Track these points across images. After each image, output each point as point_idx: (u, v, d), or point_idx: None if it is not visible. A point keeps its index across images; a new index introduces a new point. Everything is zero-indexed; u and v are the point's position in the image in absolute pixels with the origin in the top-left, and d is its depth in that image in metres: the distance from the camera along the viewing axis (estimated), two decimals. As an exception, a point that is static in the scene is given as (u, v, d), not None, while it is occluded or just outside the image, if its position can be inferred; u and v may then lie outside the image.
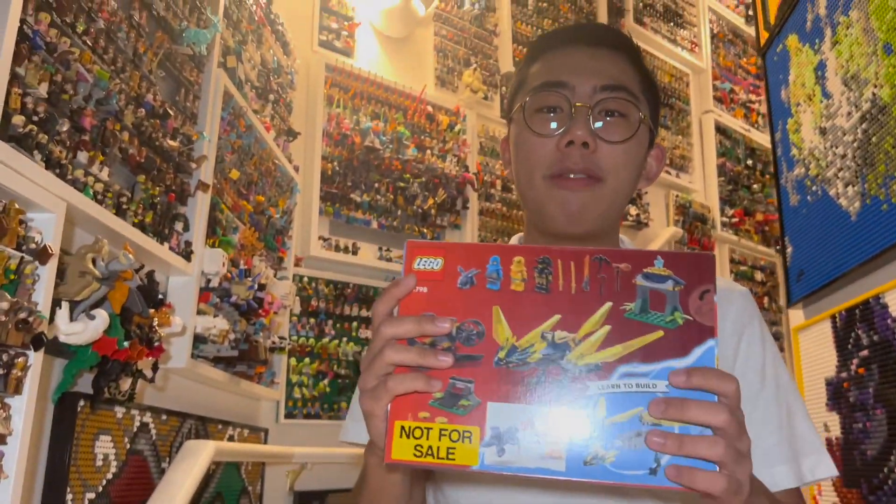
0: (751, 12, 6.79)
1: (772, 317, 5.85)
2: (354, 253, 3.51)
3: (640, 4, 5.47)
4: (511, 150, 1.00)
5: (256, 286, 2.56)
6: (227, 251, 2.42)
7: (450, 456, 0.60)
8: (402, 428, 0.61)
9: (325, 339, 3.30)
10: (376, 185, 3.63)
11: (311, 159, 3.44)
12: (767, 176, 6.11)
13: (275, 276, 3.04)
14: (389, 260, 3.62)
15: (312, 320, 3.29)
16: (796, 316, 2.57)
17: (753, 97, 6.29)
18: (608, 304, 0.62)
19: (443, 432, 0.60)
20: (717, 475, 0.58)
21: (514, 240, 1.09)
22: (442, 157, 3.93)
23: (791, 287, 2.54)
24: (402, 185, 3.72)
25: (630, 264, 0.63)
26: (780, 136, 2.64)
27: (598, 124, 0.92)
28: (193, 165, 2.23)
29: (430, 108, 3.94)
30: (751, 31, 6.47)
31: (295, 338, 3.21)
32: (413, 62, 4.05)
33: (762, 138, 6.20)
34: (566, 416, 0.60)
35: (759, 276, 5.88)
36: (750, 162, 6.03)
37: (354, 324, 3.41)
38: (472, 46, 4.29)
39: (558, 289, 0.63)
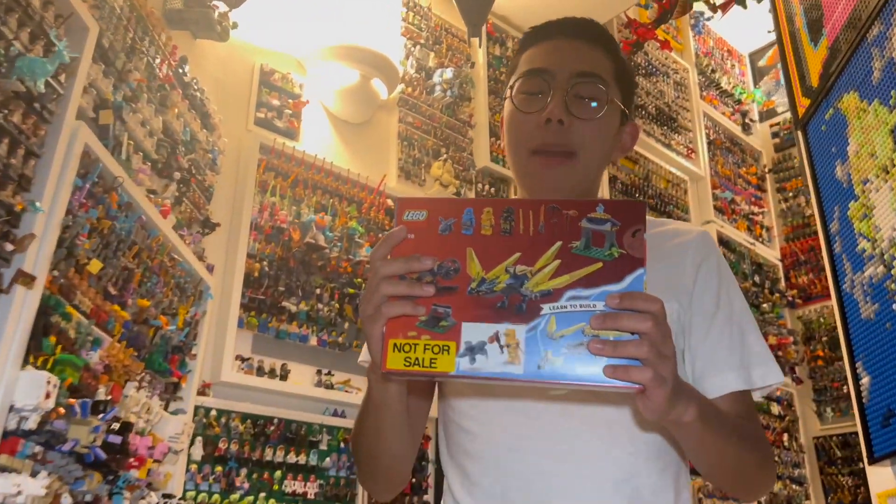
0: (748, 120, 6.44)
1: (794, 457, 5.02)
2: (284, 377, 2.74)
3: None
4: (503, 127, 1.14)
5: (111, 426, 1.79)
6: (65, 375, 1.67)
7: (432, 364, 0.73)
8: (395, 344, 0.74)
9: (236, 496, 2.46)
10: (318, 290, 2.92)
11: (232, 257, 2.74)
12: (777, 294, 5.47)
13: (165, 408, 2.26)
14: (330, 387, 2.85)
15: (219, 468, 2.47)
16: (883, 476, 1.81)
17: (756, 209, 5.76)
18: (558, 243, 0.75)
19: (426, 346, 0.74)
20: (644, 369, 0.71)
21: None
22: (403, 261, 3.24)
23: (872, 435, 1.79)
24: (351, 291, 3.01)
25: (577, 210, 0.75)
26: (838, 226, 1.97)
27: (573, 105, 1.05)
28: (10, 247, 1.52)
29: (390, 202, 3.30)
30: (750, 140, 6.04)
31: (192, 494, 2.38)
32: (372, 150, 3.46)
33: (768, 253, 5.61)
34: (523, 331, 0.73)
35: (775, 408, 5.10)
36: (757, 278, 5.40)
37: (278, 473, 2.59)
38: (443, 137, 3.72)
39: (519, 232, 0.76)
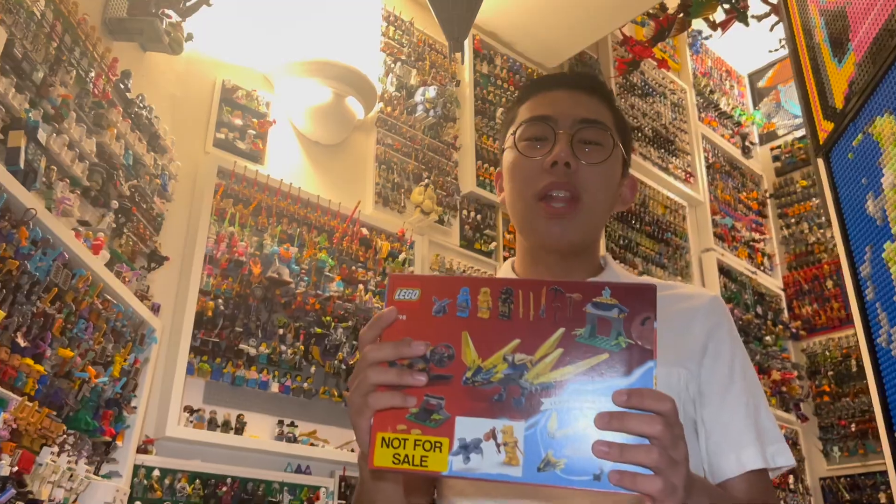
0: (748, 143, 6.21)
1: (799, 500, 4.71)
2: (239, 430, 2.43)
3: (627, 127, 4.76)
4: (504, 176, 1.12)
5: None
6: (-55, 450, 1.37)
7: (423, 463, 0.67)
8: (383, 439, 0.69)
9: (178, 569, 2.15)
10: (281, 331, 2.63)
11: (182, 294, 2.44)
12: (780, 326, 5.19)
13: (96, 472, 1.96)
14: (293, 440, 2.54)
15: (159, 538, 2.16)
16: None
17: (757, 235, 5.50)
18: (561, 330, 0.69)
19: (417, 442, 0.68)
20: (653, 478, 0.65)
21: (505, 264, 1.18)
22: (380, 295, 2.96)
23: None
24: (318, 330, 2.71)
25: (581, 294, 0.69)
26: (870, 269, 1.70)
27: (578, 150, 1.04)
28: None
29: (365, 231, 3.02)
30: (750, 163, 5.80)
31: (126, 569, 2.07)
32: (346, 174, 3.18)
33: (770, 283, 5.35)
34: (522, 428, 0.67)
35: (780, 447, 4.78)
36: (760, 309, 5.12)
37: (229, 541, 2.28)
38: (426, 160, 3.45)
39: (519, 316, 0.69)
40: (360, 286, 2.89)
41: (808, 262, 5.48)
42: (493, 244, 3.61)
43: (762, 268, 5.40)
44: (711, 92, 5.74)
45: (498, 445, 0.66)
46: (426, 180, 3.31)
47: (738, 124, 5.90)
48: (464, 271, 3.40)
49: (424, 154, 3.45)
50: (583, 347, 0.68)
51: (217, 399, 2.44)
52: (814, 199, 5.58)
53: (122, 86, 2.20)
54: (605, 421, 0.66)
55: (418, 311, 0.71)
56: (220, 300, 2.48)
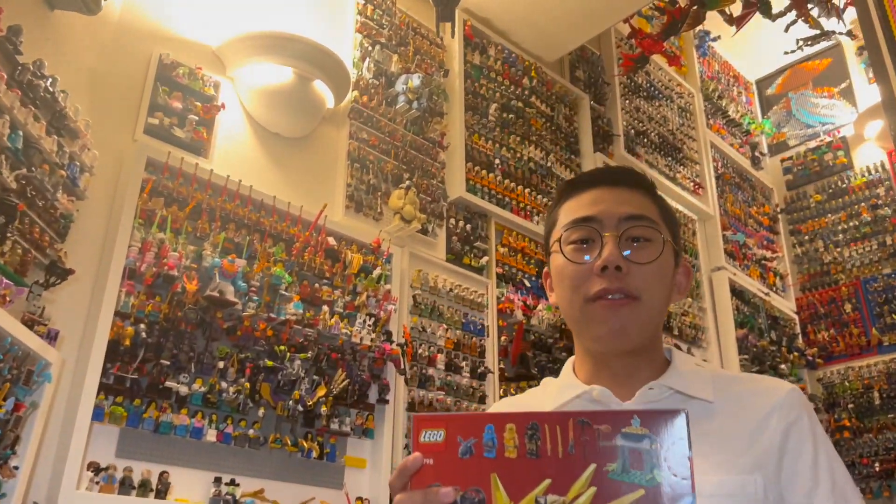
0: (758, 153, 5.78)
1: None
2: (162, 493, 1.90)
3: (632, 131, 4.30)
4: (554, 280, 1.08)
5: None
6: None
7: None
8: None
9: None
10: (221, 363, 2.10)
11: (93, 318, 1.92)
12: (795, 353, 4.73)
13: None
14: (234, 502, 2.01)
15: None
16: None
17: (769, 253, 5.05)
18: (592, 466, 0.65)
19: None
20: None
21: (566, 366, 1.11)
22: (349, 318, 2.45)
23: None
24: (270, 363, 2.19)
25: (610, 425, 0.65)
26: None
27: (627, 252, 0.99)
28: None
29: (332, 242, 2.51)
30: (760, 175, 5.36)
31: None
32: (312, 173, 2.67)
33: (784, 305, 4.89)
34: None
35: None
36: (774, 334, 4.65)
37: None
38: (408, 159, 2.95)
39: (547, 453, 0.66)
40: (325, 308, 2.37)
41: (823, 284, 5.04)
42: (485, 259, 3.11)
43: (774, 288, 4.95)
44: (720, 97, 5.30)
45: None
46: (407, 182, 2.81)
47: (747, 133, 5.47)
48: (450, 290, 2.90)
49: (406, 152, 2.95)
50: (616, 484, 0.63)
51: (134, 452, 1.91)
52: (829, 214, 5.15)
53: (9, 45, 1.69)
54: None
55: (444, 453, 0.69)
56: (142, 325, 1.96)
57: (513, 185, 3.38)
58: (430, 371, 2.72)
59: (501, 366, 2.98)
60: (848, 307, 4.86)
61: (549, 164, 3.64)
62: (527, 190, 3.45)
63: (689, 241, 4.41)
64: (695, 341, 4.09)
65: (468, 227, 3.11)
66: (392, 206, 2.75)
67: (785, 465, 0.93)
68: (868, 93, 5.15)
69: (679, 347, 3.97)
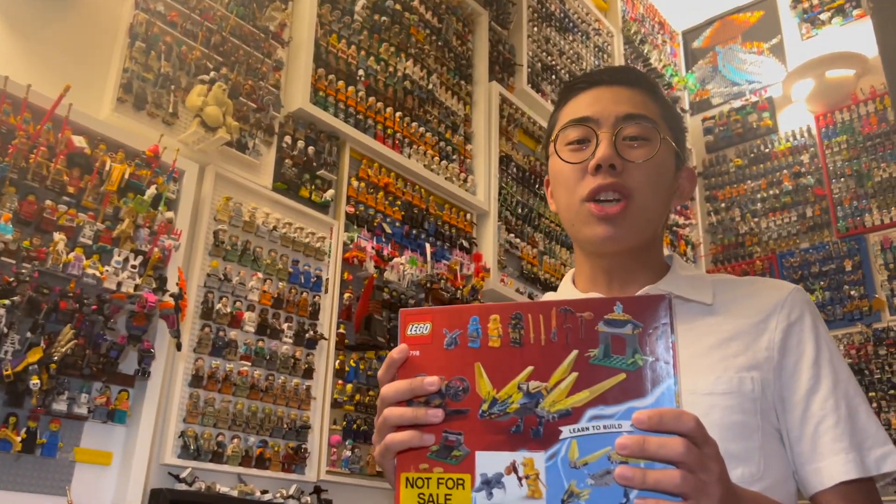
0: (679, 109, 5.27)
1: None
2: None
3: (538, 64, 3.65)
4: (552, 183, 1.06)
5: None
6: None
7: (447, 501, 0.65)
8: (407, 479, 0.67)
9: None
10: None
11: None
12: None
13: None
14: None
15: None
16: None
17: (682, 220, 4.55)
18: (574, 353, 0.65)
19: (440, 481, 0.66)
20: None
21: (565, 278, 1.12)
22: (101, 254, 1.71)
23: None
24: (-60, 313, 1.43)
25: (592, 312, 0.65)
26: None
27: (623, 149, 0.97)
28: None
29: (81, 143, 1.74)
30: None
31: None
32: (70, 48, 1.88)
33: (693, 277, 4.41)
34: (542, 459, 0.64)
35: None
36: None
37: None
38: (226, 49, 2.19)
39: (530, 342, 0.66)
40: (59, 236, 1.62)
41: (737, 256, 4.59)
42: (331, 192, 2.41)
43: (685, 258, 4.47)
44: (642, 42, 4.72)
45: (519, 479, 0.64)
46: (212, 74, 2.06)
47: (669, 86, 4.92)
48: (274, 228, 2.19)
49: (224, 40, 2.19)
50: (598, 369, 0.64)
51: None
52: (748, 181, 4.70)
53: None
54: (625, 446, 0.61)
55: (430, 345, 0.69)
56: None
57: (380, 105, 2.67)
58: (233, 334, 2.01)
59: (341, 330, 2.30)
60: (761, 283, 4.43)
61: (430, 86, 2.94)
62: (398, 114, 2.75)
63: (596, 198, 3.84)
64: (593, 312, 3.53)
65: (311, 149, 2.39)
66: (189, 106, 2.00)
67: (786, 364, 0.93)
68: (799, 50, 4.69)
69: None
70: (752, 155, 4.73)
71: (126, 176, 1.79)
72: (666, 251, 1.07)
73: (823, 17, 4.67)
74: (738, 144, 4.82)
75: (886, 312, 3.89)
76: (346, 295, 2.35)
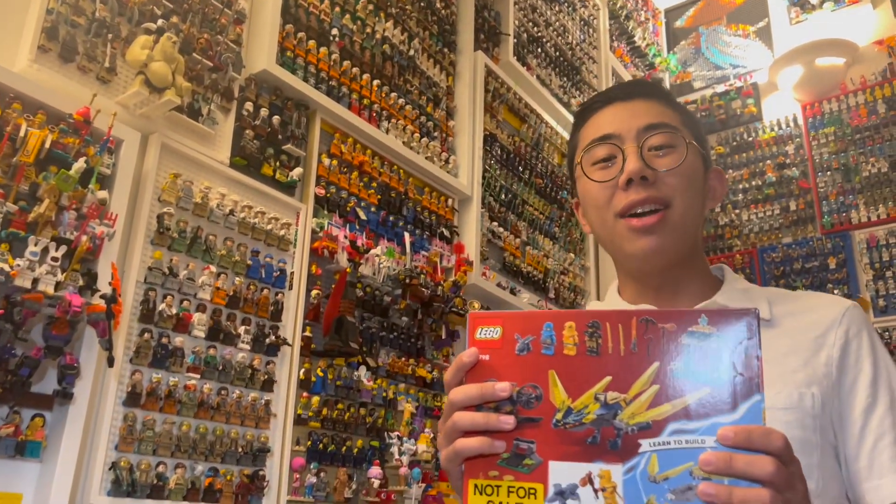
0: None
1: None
2: None
3: (525, 35, 3.34)
4: (582, 205, 1.05)
5: None
6: None
7: None
8: (475, 486, 0.65)
9: None
10: None
11: None
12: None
13: None
14: None
15: None
16: None
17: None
18: (655, 364, 0.63)
19: (511, 489, 0.64)
20: None
21: (611, 290, 1.09)
22: (12, 244, 1.34)
23: None
24: None
25: (675, 324, 0.63)
26: None
27: (651, 160, 0.95)
28: None
29: (-14, 102, 1.36)
30: (659, 116, 4.60)
31: None
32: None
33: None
34: (620, 472, 0.62)
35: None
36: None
37: None
38: (178, -5, 1.82)
39: (608, 351, 0.64)
40: (-47, 220, 1.25)
41: (716, 248, 4.40)
42: (298, 171, 2.06)
43: (663, 250, 4.26)
44: (627, 18, 4.45)
45: (595, 491, 0.62)
46: (160, 23, 1.68)
47: (651, 66, 4.68)
48: (232, 212, 1.84)
49: (176, -17, 1.81)
50: (680, 382, 0.62)
51: None
52: (730, 171, 4.50)
53: None
54: (710, 463, 0.59)
55: (501, 350, 0.67)
56: None
57: (356, 70, 2.33)
58: (179, 340, 1.66)
59: (308, 333, 1.98)
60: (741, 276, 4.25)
61: (411, 52, 2.60)
62: (376, 82, 2.41)
63: (579, 184, 3.56)
64: (572, 307, 3.27)
65: (275, 119, 2.04)
66: (130, 61, 1.62)
67: (844, 382, 0.91)
68: (787, 35, 4.48)
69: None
70: (735, 143, 4.52)
71: (47, 145, 1.42)
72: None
73: (814, 0, 4.47)
74: (720, 131, 4.61)
75: (871, 314, 3.75)
76: (315, 292, 2.02)
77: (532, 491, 0.63)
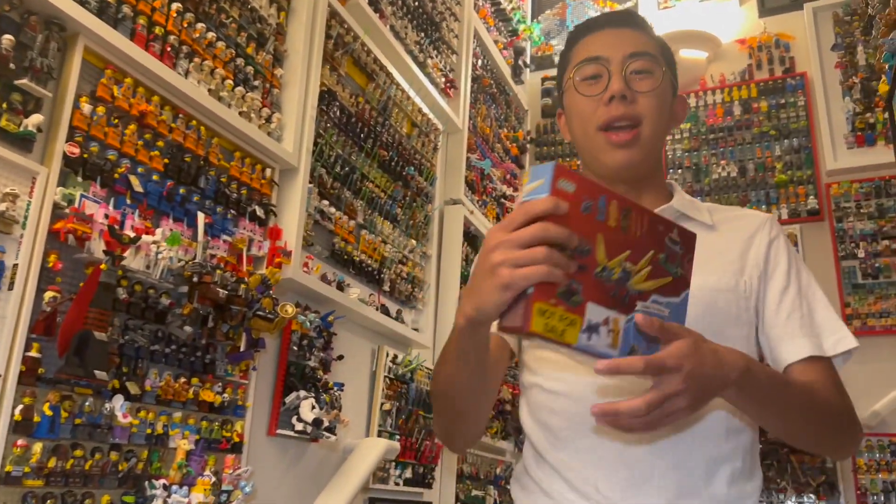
0: (521, 61, 4.69)
1: None
2: None
3: (381, -24, 2.79)
4: (567, 115, 1.24)
5: None
6: None
7: (562, 335, 0.79)
8: (539, 308, 0.77)
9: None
10: None
11: None
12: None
13: None
14: None
15: None
16: None
17: (510, 190, 4.01)
18: (652, 252, 0.85)
19: (562, 317, 0.78)
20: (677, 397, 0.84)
21: None
22: None
23: None
24: None
25: (665, 228, 0.87)
26: None
27: (632, 82, 1.14)
28: None
29: None
30: (518, 90, 4.24)
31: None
32: None
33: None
34: (623, 321, 0.82)
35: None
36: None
37: None
38: None
39: (632, 231, 0.84)
40: None
41: (561, 238, 4.18)
42: (37, 117, 1.43)
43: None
44: (495, -25, 4.02)
45: (608, 331, 0.81)
46: None
47: (515, 33, 4.30)
48: None
49: None
50: (660, 269, 0.86)
51: None
52: (577, 158, 4.27)
53: None
54: (648, 323, 0.82)
55: (571, 204, 0.79)
56: None
57: (144, -14, 1.70)
58: None
59: (34, 353, 1.38)
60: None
61: (230, -27, 1.99)
62: (176, 5, 1.79)
63: (427, 159, 3.11)
64: (408, 301, 2.85)
65: (7, 39, 1.38)
66: None
67: (767, 271, 1.16)
68: (654, 20, 4.27)
69: (387, 310, 2.71)
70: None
71: None
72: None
73: (684, -11, 4.29)
74: (577, 113, 4.36)
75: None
76: (49, 294, 1.42)
77: (573, 321, 0.79)
